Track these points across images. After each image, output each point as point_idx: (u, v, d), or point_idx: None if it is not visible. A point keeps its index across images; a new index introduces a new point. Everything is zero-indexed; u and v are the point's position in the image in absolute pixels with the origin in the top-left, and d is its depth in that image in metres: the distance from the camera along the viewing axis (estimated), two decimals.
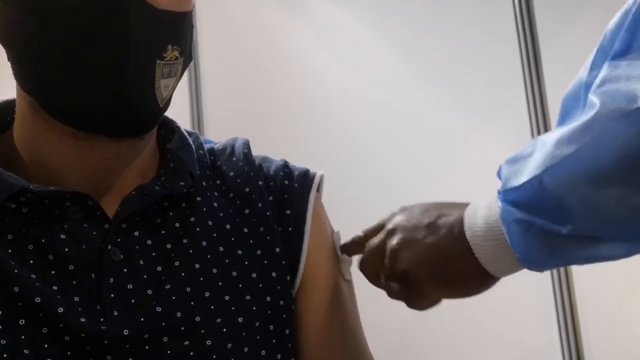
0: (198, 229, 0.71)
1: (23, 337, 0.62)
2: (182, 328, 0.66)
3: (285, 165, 0.80)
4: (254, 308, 0.71)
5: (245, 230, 0.74)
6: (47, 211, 0.66)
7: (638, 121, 0.55)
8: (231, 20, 2.30)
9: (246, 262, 0.72)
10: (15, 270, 0.63)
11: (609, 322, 1.95)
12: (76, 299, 0.64)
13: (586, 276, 1.95)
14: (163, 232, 0.70)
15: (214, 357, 0.67)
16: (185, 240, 0.70)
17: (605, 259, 0.62)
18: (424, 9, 2.18)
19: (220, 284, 0.70)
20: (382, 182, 2.06)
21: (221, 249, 0.72)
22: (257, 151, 0.80)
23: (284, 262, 0.74)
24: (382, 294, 0.75)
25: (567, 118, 0.64)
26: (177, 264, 0.69)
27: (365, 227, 0.77)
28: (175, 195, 0.71)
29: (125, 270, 0.66)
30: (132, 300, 0.65)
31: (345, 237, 0.79)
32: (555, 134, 0.61)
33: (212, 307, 0.68)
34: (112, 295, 0.65)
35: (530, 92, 2.04)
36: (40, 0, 0.63)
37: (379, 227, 0.75)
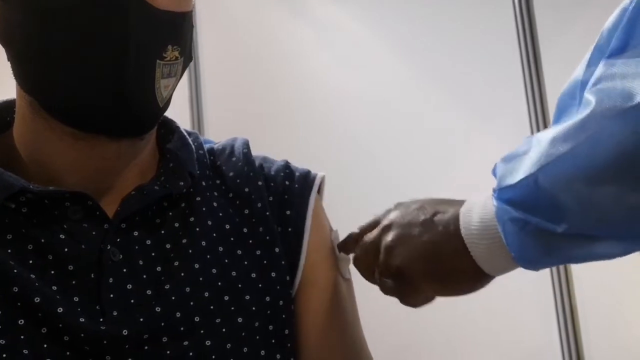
0: (197, 229, 0.71)
1: (22, 337, 0.62)
2: (182, 328, 0.66)
3: (287, 166, 0.80)
4: (254, 308, 0.71)
5: (245, 230, 0.74)
6: (46, 211, 0.66)
7: (634, 119, 0.55)
8: (231, 20, 2.30)
9: (245, 262, 0.72)
10: (15, 270, 0.63)
11: (609, 322, 1.95)
12: (75, 299, 0.64)
13: (586, 276, 1.95)
14: (162, 232, 0.70)
15: (213, 357, 0.67)
16: (184, 240, 0.70)
17: (601, 258, 0.62)
18: (424, 9, 2.18)
19: (219, 284, 0.70)
20: (382, 182, 2.06)
21: (221, 249, 0.72)
22: (257, 151, 0.80)
23: (283, 262, 0.74)
24: (382, 293, 0.75)
25: (563, 116, 0.64)
26: (176, 264, 0.69)
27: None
28: (175, 195, 0.71)
29: (124, 270, 0.66)
30: (132, 300, 0.65)
31: (344, 237, 0.79)
32: (551, 132, 0.61)
33: (212, 307, 0.68)
34: (111, 295, 0.65)
35: (530, 92, 2.05)
36: (40, 0, 0.63)
37: (375, 223, 0.75)
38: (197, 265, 0.69)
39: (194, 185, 0.73)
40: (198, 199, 0.73)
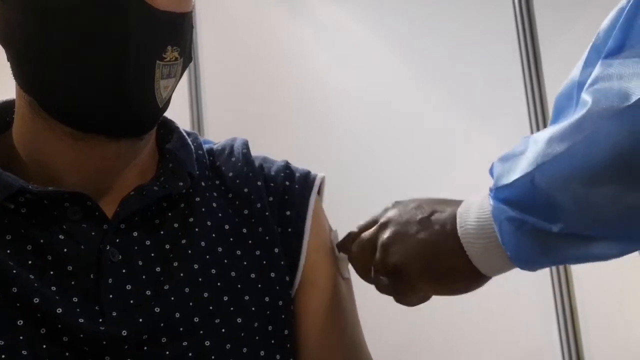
0: (197, 230, 0.71)
1: (21, 337, 0.62)
2: (181, 329, 0.66)
3: (287, 167, 0.80)
4: (253, 308, 0.71)
5: (244, 230, 0.74)
6: (46, 211, 0.66)
7: (630, 119, 0.55)
8: (231, 20, 2.30)
9: (245, 263, 0.72)
10: (14, 271, 0.63)
11: (609, 323, 1.95)
12: (75, 299, 0.64)
13: (586, 277, 1.95)
14: (162, 232, 0.70)
15: (213, 357, 0.67)
16: (184, 241, 0.70)
17: (597, 259, 0.62)
18: (424, 9, 2.18)
19: (219, 284, 0.70)
20: (382, 182, 2.06)
21: (220, 249, 0.71)
22: (257, 151, 0.80)
23: (283, 263, 0.74)
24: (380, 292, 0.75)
25: (560, 117, 0.64)
26: (175, 264, 0.68)
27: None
28: (174, 196, 0.71)
29: (124, 270, 0.66)
30: (131, 301, 0.65)
31: (344, 236, 0.79)
32: (548, 132, 0.61)
33: (211, 307, 0.68)
34: (110, 296, 0.65)
35: (530, 92, 2.05)
36: (40, 0, 0.63)
37: (373, 223, 0.75)
38: (196, 266, 0.69)
39: (193, 185, 0.73)
40: (197, 199, 0.73)
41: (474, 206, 0.67)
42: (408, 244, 0.70)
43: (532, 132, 1.97)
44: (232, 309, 0.69)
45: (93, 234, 0.66)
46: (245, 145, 0.80)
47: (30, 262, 0.64)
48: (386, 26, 2.20)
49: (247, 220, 0.74)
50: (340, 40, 2.23)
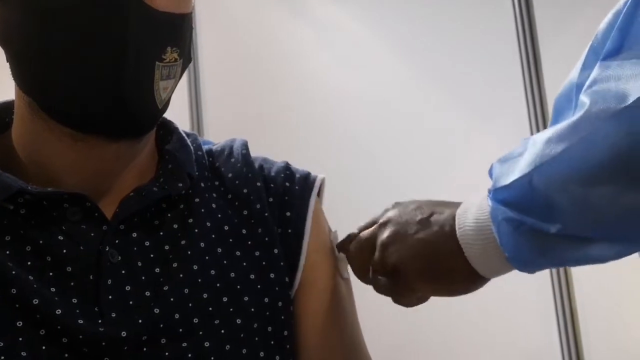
0: (196, 230, 0.71)
1: (21, 338, 0.62)
2: (180, 329, 0.66)
3: (287, 167, 0.80)
4: (252, 309, 0.70)
5: (244, 231, 0.74)
6: (45, 212, 0.66)
7: (628, 120, 0.56)
8: (231, 20, 2.30)
9: (244, 263, 0.72)
10: (13, 272, 0.63)
11: (609, 325, 1.95)
12: (74, 300, 0.64)
13: (586, 279, 1.95)
14: (161, 233, 0.69)
15: (212, 358, 0.67)
16: (183, 242, 0.70)
17: (595, 261, 0.62)
18: (424, 9, 2.18)
19: (218, 285, 0.70)
20: (382, 182, 2.06)
21: (219, 250, 0.71)
22: (256, 152, 0.80)
23: (282, 264, 0.74)
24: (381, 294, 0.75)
25: (560, 119, 0.64)
26: (175, 265, 0.68)
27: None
28: (174, 197, 0.71)
29: (123, 271, 0.66)
30: (130, 302, 0.65)
31: (343, 237, 0.79)
32: (546, 133, 0.61)
33: (210, 308, 0.68)
34: (110, 297, 0.65)
35: (530, 92, 2.05)
36: (40, 0, 0.63)
37: (373, 223, 0.75)
38: (195, 267, 0.69)
39: (192, 186, 0.73)
40: (197, 200, 0.73)
41: (473, 207, 0.67)
42: (407, 244, 0.70)
43: (531, 133, 1.98)
44: (231, 309, 0.69)
45: (92, 234, 0.66)
46: (245, 146, 0.80)
47: (29, 263, 0.64)
48: (386, 26, 2.20)
49: (246, 221, 0.74)
50: (340, 40, 2.23)
